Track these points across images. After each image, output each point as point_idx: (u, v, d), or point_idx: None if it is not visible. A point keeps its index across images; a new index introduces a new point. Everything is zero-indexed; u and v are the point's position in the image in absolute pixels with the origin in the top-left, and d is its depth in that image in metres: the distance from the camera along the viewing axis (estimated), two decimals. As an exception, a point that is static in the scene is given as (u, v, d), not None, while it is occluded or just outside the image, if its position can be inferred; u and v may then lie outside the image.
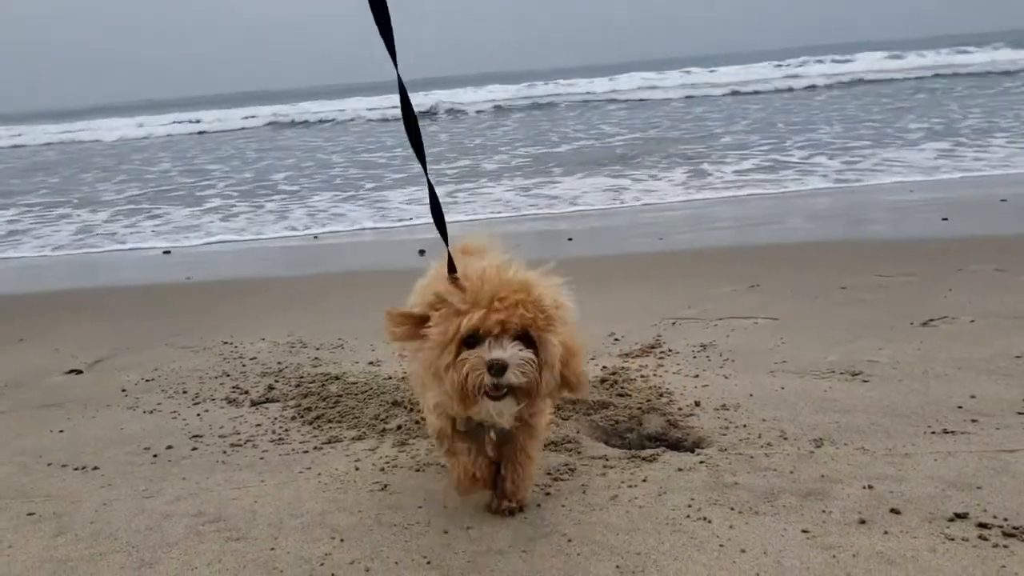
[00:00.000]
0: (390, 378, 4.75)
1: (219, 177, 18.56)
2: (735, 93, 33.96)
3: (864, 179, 11.75)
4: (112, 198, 16.26)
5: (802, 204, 10.55)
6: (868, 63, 41.24)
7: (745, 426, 3.72)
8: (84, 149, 33.01)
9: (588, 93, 38.09)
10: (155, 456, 3.93)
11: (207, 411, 4.49)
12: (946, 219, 8.69)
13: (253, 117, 39.97)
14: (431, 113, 34.72)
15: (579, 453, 3.59)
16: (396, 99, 3.11)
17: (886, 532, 2.74)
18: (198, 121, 40.55)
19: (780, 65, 42.33)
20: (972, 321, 5.12)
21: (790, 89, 34.49)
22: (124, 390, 4.98)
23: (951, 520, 2.79)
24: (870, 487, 3.05)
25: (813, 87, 34.31)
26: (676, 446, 3.67)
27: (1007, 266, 6.49)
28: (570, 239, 9.46)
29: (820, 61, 44.29)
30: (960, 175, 11.44)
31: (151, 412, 4.56)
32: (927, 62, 39.42)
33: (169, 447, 4.02)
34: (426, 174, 3.15)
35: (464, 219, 10.85)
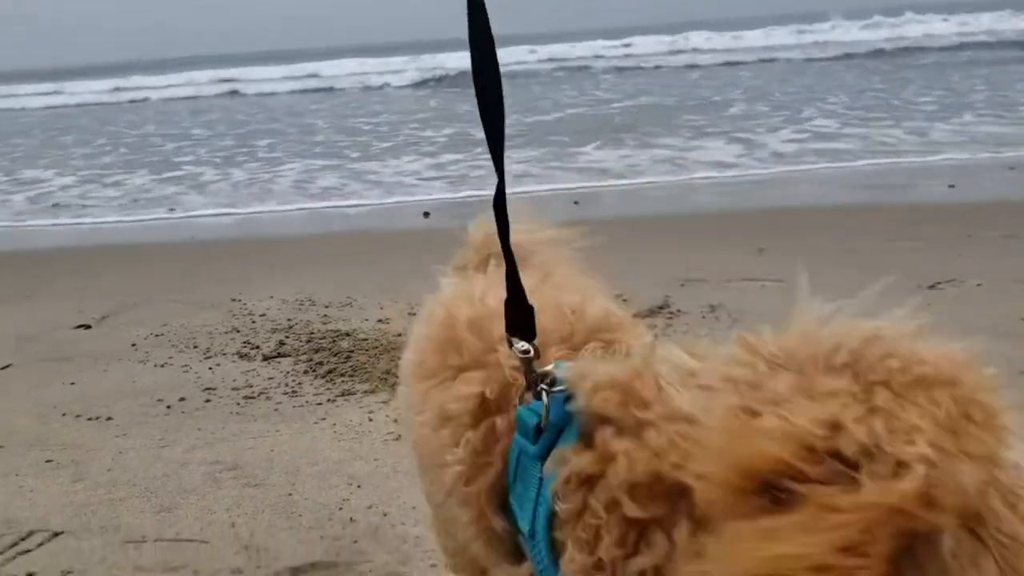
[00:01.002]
0: (400, 335, 4.77)
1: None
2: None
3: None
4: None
5: (810, 172, 10.55)
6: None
7: (755, 382, 3.75)
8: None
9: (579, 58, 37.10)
10: (168, 407, 3.97)
11: (219, 365, 4.53)
12: (952, 186, 8.70)
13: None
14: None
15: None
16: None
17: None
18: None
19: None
20: (979, 285, 5.14)
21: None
22: (134, 344, 5.01)
23: (962, 471, 2.82)
24: (881, 440, 3.08)
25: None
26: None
27: (1016, 232, 6.50)
28: (576, 202, 9.46)
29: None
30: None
31: (162, 366, 4.59)
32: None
33: (182, 399, 4.06)
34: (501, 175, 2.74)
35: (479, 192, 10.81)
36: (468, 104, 22.33)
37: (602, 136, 13.85)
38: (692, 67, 30.65)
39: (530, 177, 11.24)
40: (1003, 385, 3.15)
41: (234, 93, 34.23)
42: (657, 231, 7.41)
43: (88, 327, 5.49)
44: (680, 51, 37.18)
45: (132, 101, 34.11)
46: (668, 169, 11.12)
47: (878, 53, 29.99)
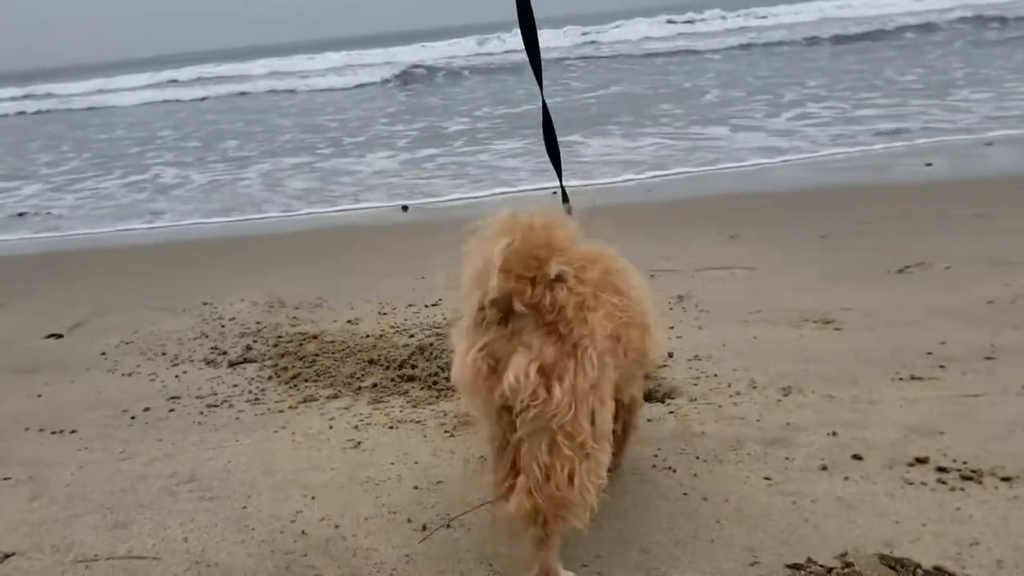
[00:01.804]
0: (367, 336, 4.77)
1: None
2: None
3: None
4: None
5: (786, 155, 10.52)
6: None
7: (716, 375, 3.76)
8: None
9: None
10: (132, 418, 3.96)
11: (185, 372, 4.52)
12: (930, 164, 8.68)
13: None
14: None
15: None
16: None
17: (846, 478, 2.78)
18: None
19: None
20: (948, 267, 5.14)
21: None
22: (103, 353, 5.00)
23: (911, 465, 2.83)
24: (834, 434, 3.09)
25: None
26: (648, 397, 3.70)
27: (988, 211, 6.49)
28: (554, 193, 9.41)
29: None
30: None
31: (130, 375, 4.58)
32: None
33: (147, 409, 4.05)
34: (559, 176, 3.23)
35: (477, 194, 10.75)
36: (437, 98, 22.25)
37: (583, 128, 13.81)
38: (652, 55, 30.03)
39: (508, 171, 11.21)
40: (967, 370, 3.14)
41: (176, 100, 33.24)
42: (629, 221, 7.39)
43: (60, 336, 5.47)
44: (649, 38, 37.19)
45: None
46: (643, 158, 11.08)
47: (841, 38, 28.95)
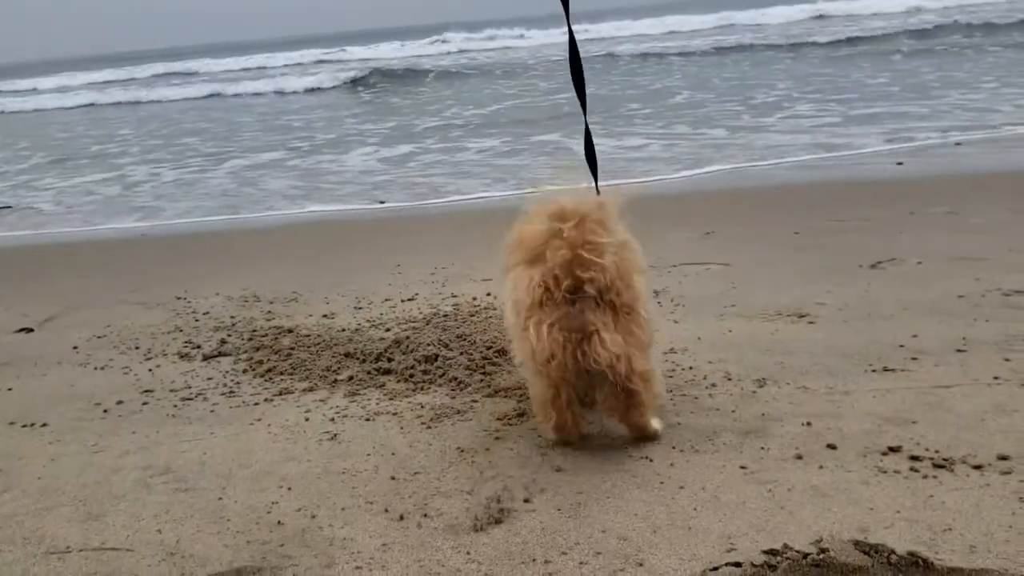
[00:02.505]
0: (343, 330, 4.75)
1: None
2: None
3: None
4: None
5: (762, 152, 10.61)
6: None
7: (691, 368, 3.78)
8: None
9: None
10: (105, 411, 3.91)
11: (159, 366, 4.47)
12: (901, 163, 8.78)
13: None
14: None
15: (528, 398, 3.62)
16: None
17: (821, 466, 2.81)
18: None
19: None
20: (920, 263, 5.20)
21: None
22: (76, 347, 4.94)
23: (884, 454, 2.86)
24: (808, 424, 3.12)
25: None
26: (625, 390, 3.72)
27: (959, 208, 6.58)
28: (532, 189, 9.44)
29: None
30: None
31: (102, 368, 4.53)
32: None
33: (120, 402, 4.00)
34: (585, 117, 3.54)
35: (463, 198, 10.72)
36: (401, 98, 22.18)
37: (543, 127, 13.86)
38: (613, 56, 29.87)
39: (486, 167, 11.21)
40: (939, 362, 3.19)
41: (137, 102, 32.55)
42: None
43: (30, 331, 5.40)
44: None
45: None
46: (621, 156, 11.13)
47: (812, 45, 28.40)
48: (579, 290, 2.71)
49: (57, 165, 15.07)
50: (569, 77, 3.52)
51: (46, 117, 28.64)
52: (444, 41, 41.98)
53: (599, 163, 3.46)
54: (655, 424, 3.07)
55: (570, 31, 3.47)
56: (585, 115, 3.53)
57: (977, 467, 2.73)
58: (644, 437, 3.06)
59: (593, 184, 3.34)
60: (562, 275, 2.70)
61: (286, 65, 39.92)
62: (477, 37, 43.25)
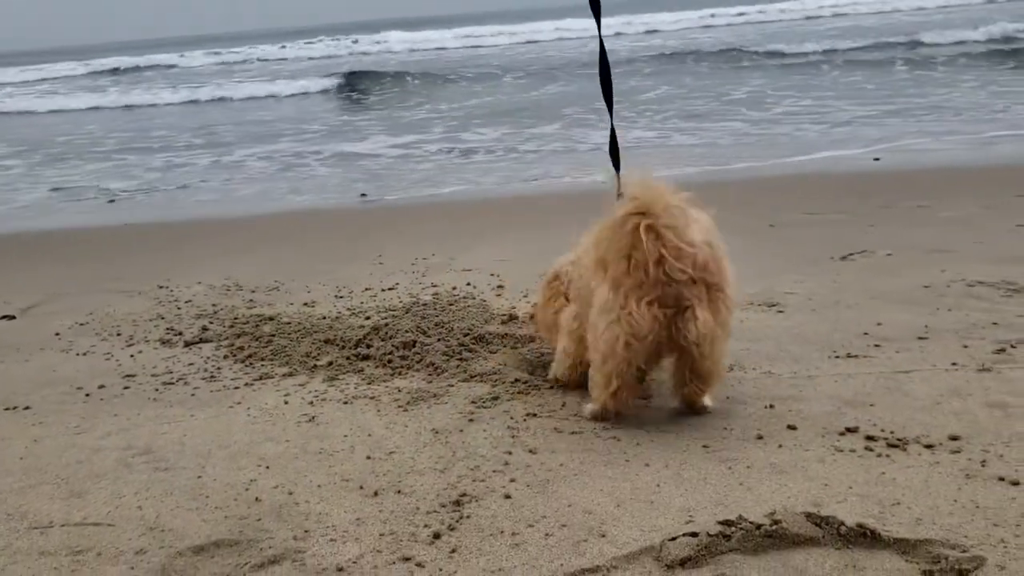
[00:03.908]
0: (324, 318, 4.83)
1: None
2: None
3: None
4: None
5: (735, 144, 10.74)
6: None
7: (662, 354, 3.88)
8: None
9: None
10: (87, 395, 3.98)
11: (140, 352, 4.54)
12: (878, 159, 8.93)
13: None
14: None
15: (503, 382, 3.71)
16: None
17: (780, 446, 2.92)
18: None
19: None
20: (889, 255, 5.33)
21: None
22: (57, 334, 4.99)
23: (841, 434, 2.98)
24: (771, 407, 3.23)
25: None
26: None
27: (928, 202, 6.72)
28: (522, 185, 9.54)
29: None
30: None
31: (84, 354, 4.59)
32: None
33: (101, 387, 4.07)
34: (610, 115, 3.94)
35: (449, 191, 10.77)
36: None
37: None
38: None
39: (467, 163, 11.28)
40: (900, 349, 3.33)
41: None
42: (581, 210, 7.50)
43: (12, 318, 5.45)
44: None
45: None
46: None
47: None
48: (674, 275, 2.94)
49: (29, 157, 15.02)
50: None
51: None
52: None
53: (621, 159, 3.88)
54: (708, 401, 3.25)
55: (600, 41, 3.93)
56: (611, 117, 3.95)
57: (929, 446, 2.84)
58: (696, 411, 3.24)
59: (616, 180, 3.75)
60: (659, 259, 2.90)
61: (260, 60, 39.50)
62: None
